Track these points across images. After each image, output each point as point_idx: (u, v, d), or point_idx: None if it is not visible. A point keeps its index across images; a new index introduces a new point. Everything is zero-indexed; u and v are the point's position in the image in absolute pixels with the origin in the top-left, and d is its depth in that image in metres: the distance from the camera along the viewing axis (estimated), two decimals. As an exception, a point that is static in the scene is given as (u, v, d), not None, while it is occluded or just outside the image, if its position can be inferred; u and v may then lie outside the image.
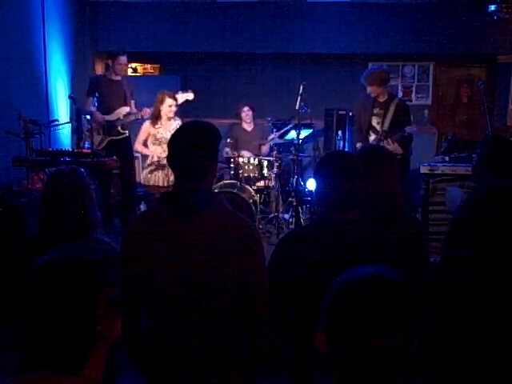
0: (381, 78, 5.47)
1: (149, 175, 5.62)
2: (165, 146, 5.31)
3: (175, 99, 5.47)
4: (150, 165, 5.64)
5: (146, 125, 5.63)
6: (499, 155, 2.94)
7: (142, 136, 5.70)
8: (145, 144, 5.67)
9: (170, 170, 5.24)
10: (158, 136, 5.53)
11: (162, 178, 5.55)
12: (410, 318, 1.18)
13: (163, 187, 5.43)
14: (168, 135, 5.22)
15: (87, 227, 2.29)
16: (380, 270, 1.26)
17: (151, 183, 5.60)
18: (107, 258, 1.28)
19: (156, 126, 5.56)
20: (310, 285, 2.08)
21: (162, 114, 5.50)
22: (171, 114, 5.52)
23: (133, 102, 6.11)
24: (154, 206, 2.09)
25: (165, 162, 5.30)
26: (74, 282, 1.19)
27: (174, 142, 2.02)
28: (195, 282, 1.94)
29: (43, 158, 5.29)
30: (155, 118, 5.53)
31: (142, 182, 5.79)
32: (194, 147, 1.96)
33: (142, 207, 7.12)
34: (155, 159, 5.55)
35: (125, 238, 2.04)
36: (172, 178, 5.31)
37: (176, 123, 5.50)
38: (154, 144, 5.58)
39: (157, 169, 5.55)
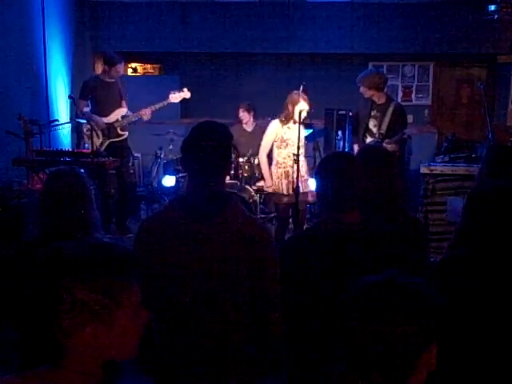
0: (371, 81, 5.46)
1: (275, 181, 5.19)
2: (290, 150, 5.02)
3: (309, 105, 5.03)
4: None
5: (275, 124, 5.18)
6: (502, 165, 2.97)
7: (269, 138, 5.21)
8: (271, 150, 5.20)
9: (292, 177, 4.96)
10: (286, 137, 5.12)
11: (285, 186, 5.13)
12: (423, 324, 1.17)
13: (287, 195, 5.10)
14: (295, 139, 4.86)
15: (86, 228, 2.29)
16: (397, 275, 1.25)
17: (274, 190, 5.19)
18: (102, 259, 1.25)
19: (284, 127, 5.14)
20: (311, 287, 2.08)
21: (293, 115, 5.02)
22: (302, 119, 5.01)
23: (124, 103, 6.06)
24: (169, 207, 2.09)
25: (289, 168, 5.04)
26: (40, 273, 1.20)
27: (190, 142, 2.01)
28: (209, 283, 1.94)
29: (43, 158, 5.28)
30: (287, 118, 5.09)
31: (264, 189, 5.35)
32: (209, 146, 1.97)
33: (142, 207, 7.13)
34: (280, 165, 5.12)
35: (138, 240, 2.04)
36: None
37: (304, 129, 5.13)
38: (279, 148, 5.15)
39: (280, 176, 5.13)
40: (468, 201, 2.03)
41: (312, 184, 6.69)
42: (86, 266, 1.21)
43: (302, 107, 4.93)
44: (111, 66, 5.88)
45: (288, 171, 5.10)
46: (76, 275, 1.19)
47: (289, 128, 5.11)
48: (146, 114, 5.91)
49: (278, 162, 5.18)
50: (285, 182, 5.13)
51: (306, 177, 5.21)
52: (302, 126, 4.91)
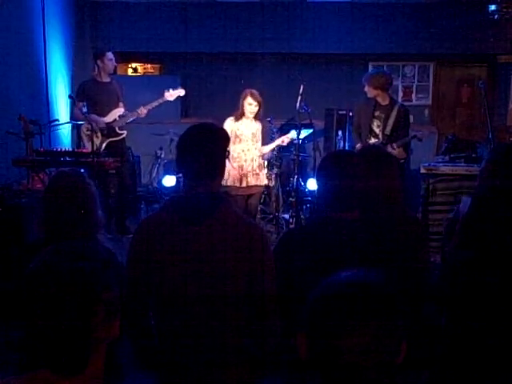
0: (377, 80, 5.45)
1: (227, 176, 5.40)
2: (243, 145, 5.38)
3: (258, 100, 5.30)
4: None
5: (228, 122, 5.43)
6: (506, 163, 2.96)
7: None
8: None
9: (245, 170, 5.36)
10: (238, 133, 5.39)
11: (238, 179, 5.40)
12: (388, 330, 1.08)
13: (240, 187, 5.39)
14: (248, 134, 5.35)
15: (89, 228, 2.29)
16: (359, 275, 1.16)
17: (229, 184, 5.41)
18: (105, 261, 1.26)
19: (237, 123, 5.40)
20: (309, 284, 2.08)
21: (245, 110, 5.35)
22: (251, 113, 5.33)
23: (121, 103, 6.05)
24: (165, 208, 2.09)
25: (243, 162, 5.38)
26: (72, 293, 1.17)
27: (184, 143, 2.03)
28: (206, 284, 1.95)
29: (43, 158, 5.27)
30: (239, 114, 5.38)
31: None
32: (204, 147, 1.98)
33: (143, 207, 7.13)
34: (235, 159, 5.36)
35: (135, 240, 2.05)
36: (250, 179, 5.40)
37: (257, 124, 5.44)
38: (233, 143, 5.32)
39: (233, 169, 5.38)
40: (480, 200, 1.99)
41: (311, 183, 6.73)
42: (101, 271, 1.23)
43: (249, 102, 5.28)
44: (102, 56, 5.91)
45: (242, 165, 5.40)
46: (98, 283, 1.21)
47: (241, 124, 5.40)
48: (143, 113, 5.94)
49: (233, 157, 5.41)
50: (238, 175, 5.39)
51: (257, 171, 5.50)
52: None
